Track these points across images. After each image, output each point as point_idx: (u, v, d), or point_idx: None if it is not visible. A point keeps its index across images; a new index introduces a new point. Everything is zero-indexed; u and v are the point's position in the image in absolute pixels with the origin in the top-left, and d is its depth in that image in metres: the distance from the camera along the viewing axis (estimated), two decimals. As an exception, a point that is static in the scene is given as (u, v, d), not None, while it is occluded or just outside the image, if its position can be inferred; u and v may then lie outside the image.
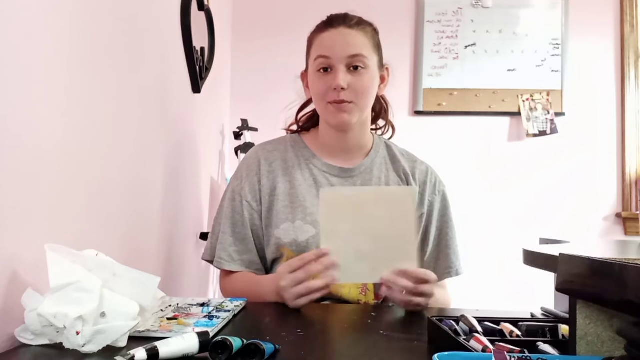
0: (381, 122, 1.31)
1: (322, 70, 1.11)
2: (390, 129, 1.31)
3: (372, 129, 1.27)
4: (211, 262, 1.17)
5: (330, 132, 1.18)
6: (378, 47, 1.16)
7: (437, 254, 1.21)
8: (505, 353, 0.49)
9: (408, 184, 1.20)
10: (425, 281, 0.95)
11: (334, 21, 1.12)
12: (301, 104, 1.28)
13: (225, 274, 1.17)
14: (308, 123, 1.26)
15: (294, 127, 1.28)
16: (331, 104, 1.11)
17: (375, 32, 1.16)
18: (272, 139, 1.26)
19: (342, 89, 1.08)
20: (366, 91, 1.12)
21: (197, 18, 1.78)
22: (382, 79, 1.19)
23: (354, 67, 1.10)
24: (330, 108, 1.12)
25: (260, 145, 1.24)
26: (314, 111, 1.23)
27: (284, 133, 1.30)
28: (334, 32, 1.11)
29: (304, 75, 1.21)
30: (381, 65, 1.17)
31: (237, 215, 1.16)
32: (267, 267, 1.17)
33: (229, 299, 0.99)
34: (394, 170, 1.22)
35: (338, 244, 0.94)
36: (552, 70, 2.51)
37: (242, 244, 1.16)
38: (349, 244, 0.94)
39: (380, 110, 1.29)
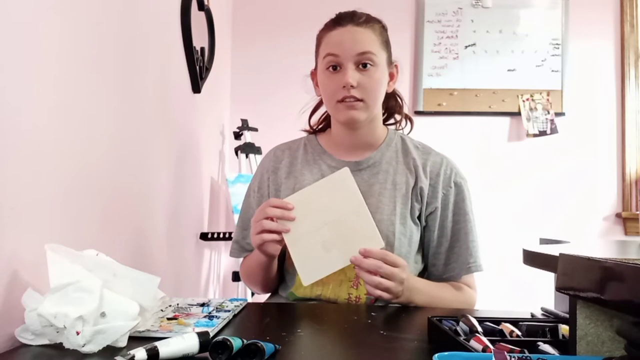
0: (397, 117, 1.30)
1: (331, 69, 1.12)
2: (409, 123, 1.30)
3: (389, 124, 1.28)
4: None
5: (340, 130, 1.19)
6: (387, 44, 1.16)
7: (456, 249, 1.17)
8: (505, 353, 0.49)
9: (417, 176, 1.18)
10: (392, 264, 0.98)
11: (342, 19, 1.12)
12: (313, 106, 1.29)
13: (242, 261, 1.25)
14: (322, 124, 1.28)
15: (310, 129, 1.30)
16: (340, 102, 1.12)
17: (383, 28, 1.16)
18: (290, 140, 1.28)
19: (352, 86, 1.09)
20: (375, 89, 1.12)
21: (197, 18, 1.78)
22: (391, 76, 1.20)
23: (362, 65, 1.10)
24: (339, 106, 1.12)
25: (277, 145, 1.28)
26: (327, 113, 1.25)
27: (285, 133, 1.33)
28: (342, 30, 1.11)
29: (314, 74, 1.22)
30: (390, 62, 1.17)
31: (250, 210, 1.22)
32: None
33: (229, 298, 1.00)
34: (404, 162, 1.20)
35: (304, 245, 1.01)
36: (552, 70, 2.51)
37: None
38: (313, 241, 1.01)
39: (395, 105, 1.29)
